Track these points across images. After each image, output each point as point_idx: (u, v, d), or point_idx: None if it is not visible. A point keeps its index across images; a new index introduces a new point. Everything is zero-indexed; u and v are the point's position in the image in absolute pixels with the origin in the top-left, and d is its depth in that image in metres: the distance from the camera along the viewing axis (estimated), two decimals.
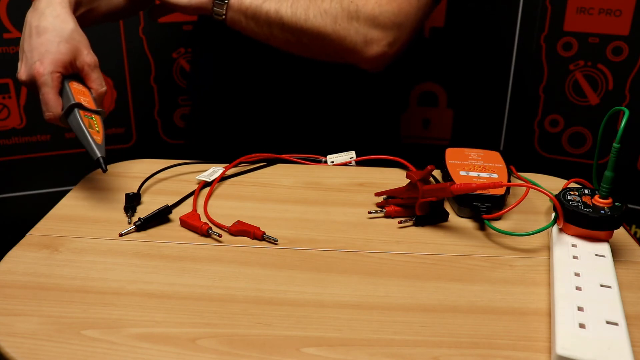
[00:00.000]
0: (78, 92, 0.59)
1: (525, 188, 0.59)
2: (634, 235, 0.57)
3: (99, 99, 0.61)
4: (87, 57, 0.60)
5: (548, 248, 0.51)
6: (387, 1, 0.66)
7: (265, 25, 0.68)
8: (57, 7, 0.61)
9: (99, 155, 0.54)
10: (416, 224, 0.55)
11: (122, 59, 1.12)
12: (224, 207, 0.57)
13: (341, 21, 0.66)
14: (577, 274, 0.44)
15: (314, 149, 0.70)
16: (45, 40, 0.58)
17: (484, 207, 0.54)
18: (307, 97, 0.79)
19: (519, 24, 1.10)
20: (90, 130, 0.56)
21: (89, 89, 0.61)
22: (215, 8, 0.68)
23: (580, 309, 0.40)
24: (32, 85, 0.59)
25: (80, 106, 0.57)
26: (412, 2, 0.68)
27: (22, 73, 0.59)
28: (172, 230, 0.53)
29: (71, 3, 0.63)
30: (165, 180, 0.64)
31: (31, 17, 0.61)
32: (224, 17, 0.68)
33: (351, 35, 0.67)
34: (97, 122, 0.58)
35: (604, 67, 1.06)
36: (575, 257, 0.46)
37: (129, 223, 0.54)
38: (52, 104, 0.57)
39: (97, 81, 0.61)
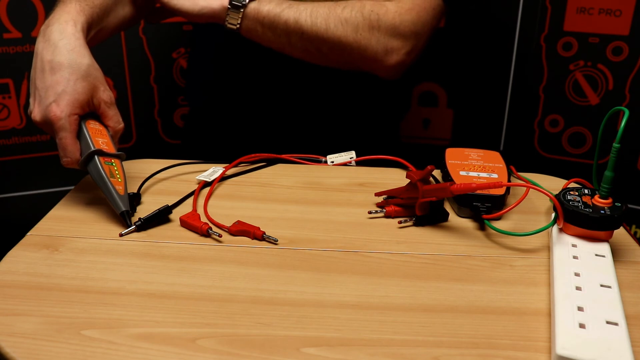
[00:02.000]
0: (95, 133, 0.56)
1: (525, 188, 0.59)
2: (634, 235, 0.57)
3: (116, 136, 0.59)
4: (104, 94, 0.57)
5: (548, 248, 0.51)
6: (407, 10, 0.66)
7: (283, 35, 0.67)
8: (71, 39, 0.56)
9: (123, 209, 0.53)
10: (416, 224, 0.55)
11: (122, 59, 1.12)
12: (224, 207, 0.57)
13: (362, 31, 0.66)
14: (577, 274, 0.44)
15: (314, 149, 0.70)
16: (61, 78, 0.54)
17: (484, 207, 0.54)
18: (307, 97, 0.79)
19: (519, 24, 1.10)
20: (111, 179, 0.54)
21: (106, 126, 0.59)
22: (229, 17, 0.66)
23: (580, 309, 0.40)
24: (48, 127, 0.55)
25: (100, 152, 0.55)
26: (429, 10, 0.68)
27: (37, 114, 0.55)
28: (172, 230, 0.53)
29: (84, 30, 0.58)
30: (165, 180, 0.64)
31: (43, 49, 0.56)
32: (238, 26, 0.67)
33: (372, 44, 0.67)
34: (117, 167, 0.56)
35: (604, 67, 1.06)
36: (575, 257, 0.46)
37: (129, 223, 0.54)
38: (71, 149, 0.54)
39: (115, 118, 0.58)
